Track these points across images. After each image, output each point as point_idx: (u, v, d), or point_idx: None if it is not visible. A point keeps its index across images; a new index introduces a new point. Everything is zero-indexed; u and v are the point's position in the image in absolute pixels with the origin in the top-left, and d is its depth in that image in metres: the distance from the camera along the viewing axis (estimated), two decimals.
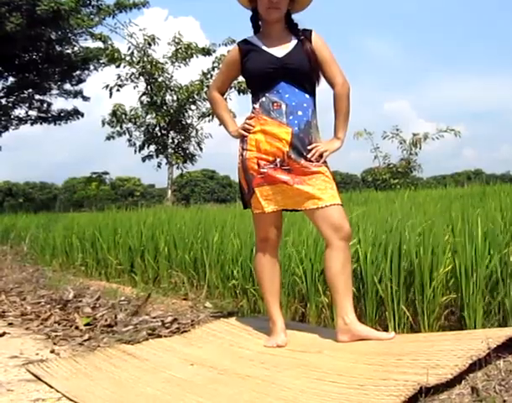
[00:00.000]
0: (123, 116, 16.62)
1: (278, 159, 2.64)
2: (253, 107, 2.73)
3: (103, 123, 16.75)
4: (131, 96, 33.82)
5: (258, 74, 2.70)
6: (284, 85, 2.65)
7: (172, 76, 16.85)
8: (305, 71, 2.67)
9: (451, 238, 2.96)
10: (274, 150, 2.64)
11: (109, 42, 17.19)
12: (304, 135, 2.64)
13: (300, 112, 2.64)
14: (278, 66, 2.65)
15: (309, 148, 2.64)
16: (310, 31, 2.73)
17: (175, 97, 16.76)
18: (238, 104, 21.32)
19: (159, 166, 17.21)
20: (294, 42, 2.71)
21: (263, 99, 2.68)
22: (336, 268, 2.59)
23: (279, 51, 2.69)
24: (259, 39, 2.76)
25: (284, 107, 2.64)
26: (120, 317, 3.42)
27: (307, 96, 2.68)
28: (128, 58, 16.50)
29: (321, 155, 2.64)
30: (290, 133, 2.62)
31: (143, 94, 16.72)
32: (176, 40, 16.75)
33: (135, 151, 16.92)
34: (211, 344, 2.79)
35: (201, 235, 4.55)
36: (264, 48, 2.71)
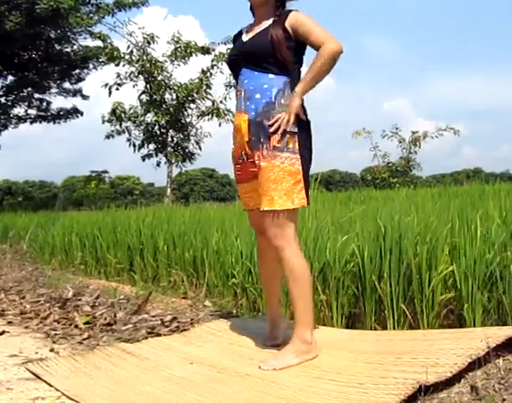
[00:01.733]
0: (123, 114, 16.62)
1: (242, 152, 2.52)
2: None
3: (103, 121, 16.75)
4: (130, 95, 33.82)
5: (228, 62, 2.64)
6: (245, 70, 2.51)
7: (171, 75, 16.83)
8: (265, 53, 2.45)
9: (450, 236, 2.96)
10: (240, 143, 2.51)
11: (108, 41, 17.16)
12: (262, 118, 2.42)
13: (258, 95, 2.44)
14: (240, 52, 2.55)
15: (269, 123, 2.40)
16: (289, 11, 2.52)
17: (174, 96, 16.75)
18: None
19: (158, 165, 17.22)
20: (267, 23, 2.53)
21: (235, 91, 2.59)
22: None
23: (249, 35, 2.57)
24: (248, 26, 2.66)
25: (242, 93, 2.49)
26: (119, 316, 3.42)
27: (271, 76, 2.45)
28: (127, 56, 16.47)
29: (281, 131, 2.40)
30: (247, 120, 2.46)
31: (143, 93, 16.70)
32: (175, 39, 16.75)
33: (134, 150, 16.94)
34: (210, 343, 2.79)
35: (201, 234, 4.54)
36: (243, 35, 2.62)
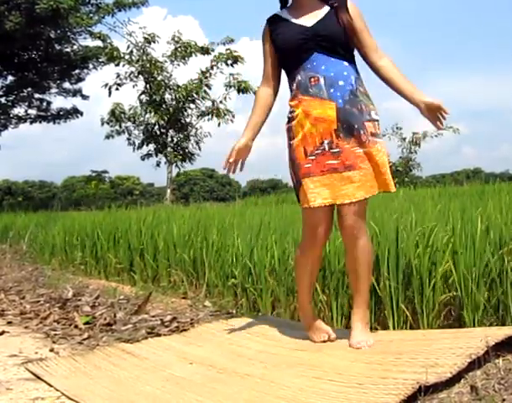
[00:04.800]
0: (122, 115, 16.63)
1: (326, 141, 2.40)
2: (291, 90, 2.52)
3: (102, 123, 16.77)
4: (130, 95, 33.82)
5: (288, 47, 2.48)
6: (318, 55, 2.44)
7: (171, 75, 16.87)
8: (339, 39, 2.45)
9: (450, 236, 2.95)
10: (320, 131, 2.41)
11: (108, 41, 17.21)
12: (351, 106, 2.42)
13: (341, 82, 2.42)
14: (309, 36, 2.44)
15: (435, 103, 2.37)
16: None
17: (174, 96, 16.75)
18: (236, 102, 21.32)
19: (158, 165, 17.23)
20: (326, 9, 2.50)
21: (299, 77, 2.46)
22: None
23: (309, 20, 2.48)
24: (288, 12, 2.56)
25: (322, 80, 2.41)
26: (119, 316, 3.41)
27: (346, 63, 2.46)
28: (127, 57, 16.51)
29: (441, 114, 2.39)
30: (335, 107, 2.40)
31: (143, 93, 16.72)
32: (175, 39, 16.76)
33: (133, 149, 16.95)
34: (210, 343, 2.79)
35: (201, 234, 4.54)
36: (293, 20, 2.51)
